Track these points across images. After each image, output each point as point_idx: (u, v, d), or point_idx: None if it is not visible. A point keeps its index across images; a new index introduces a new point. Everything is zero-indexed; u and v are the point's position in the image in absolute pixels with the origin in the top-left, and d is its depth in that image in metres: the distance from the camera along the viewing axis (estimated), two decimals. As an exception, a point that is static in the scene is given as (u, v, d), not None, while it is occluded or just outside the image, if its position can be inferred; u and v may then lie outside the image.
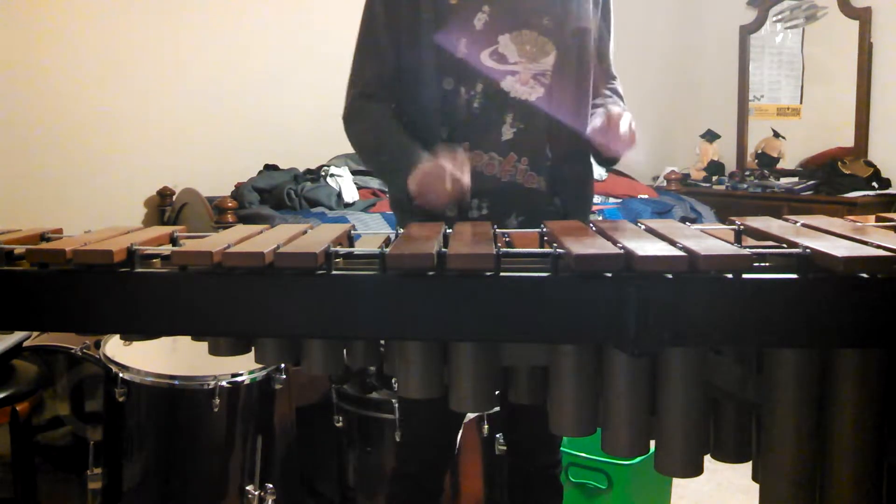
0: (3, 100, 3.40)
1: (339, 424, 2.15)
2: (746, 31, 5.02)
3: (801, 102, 4.83)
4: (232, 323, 1.03)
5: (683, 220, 2.90)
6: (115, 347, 2.06)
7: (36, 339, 2.30)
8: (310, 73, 4.12)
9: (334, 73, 4.07)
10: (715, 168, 4.99)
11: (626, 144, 1.51)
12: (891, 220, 1.21)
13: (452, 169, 1.40)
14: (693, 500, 2.61)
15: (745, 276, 0.93)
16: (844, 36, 4.49)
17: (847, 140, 4.50)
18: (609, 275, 0.95)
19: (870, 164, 4.31)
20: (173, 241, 1.20)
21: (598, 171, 2.26)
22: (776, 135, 4.86)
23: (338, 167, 3.83)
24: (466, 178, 1.41)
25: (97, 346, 2.17)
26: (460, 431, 1.81)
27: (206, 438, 1.96)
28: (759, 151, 4.90)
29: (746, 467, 1.08)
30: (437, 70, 1.53)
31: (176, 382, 1.94)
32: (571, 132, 1.57)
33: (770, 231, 1.09)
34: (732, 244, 1.05)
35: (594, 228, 1.14)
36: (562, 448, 1.81)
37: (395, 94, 1.59)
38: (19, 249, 1.08)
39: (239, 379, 1.97)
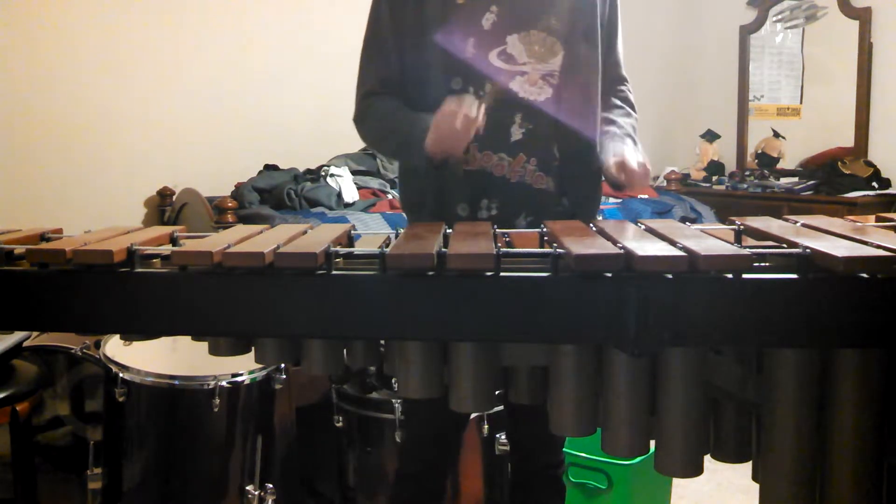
0: (3, 100, 3.40)
1: (339, 424, 2.15)
2: (746, 31, 5.02)
3: (801, 102, 4.83)
4: (232, 323, 1.03)
5: (683, 220, 2.91)
6: (115, 347, 2.06)
7: (36, 339, 2.30)
8: (310, 73, 4.12)
9: (334, 73, 4.09)
10: (715, 168, 4.99)
11: (641, 183, 1.53)
12: (891, 220, 1.21)
13: (459, 108, 1.40)
14: (693, 500, 2.61)
15: (745, 276, 0.94)
16: (844, 36, 4.49)
17: (847, 140, 4.50)
18: (609, 275, 0.95)
19: (870, 164, 4.31)
20: (173, 241, 1.20)
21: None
22: (776, 135, 4.86)
23: (338, 167, 3.83)
24: (477, 113, 1.41)
25: (97, 346, 2.17)
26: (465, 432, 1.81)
27: (206, 438, 1.96)
28: (759, 151, 4.90)
29: (746, 467, 1.08)
30: (444, 70, 1.54)
31: (176, 382, 1.93)
32: (580, 132, 1.57)
33: (770, 231, 1.09)
34: (732, 244, 1.05)
35: (594, 228, 1.14)
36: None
37: (403, 94, 1.59)
38: (19, 249, 1.09)
39: (239, 379, 1.97)
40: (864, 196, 4.12)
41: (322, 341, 1.09)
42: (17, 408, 2.00)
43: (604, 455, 1.59)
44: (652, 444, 1.04)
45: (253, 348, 1.12)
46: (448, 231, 1.16)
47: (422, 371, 1.06)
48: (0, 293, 1.04)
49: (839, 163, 4.35)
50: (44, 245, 1.10)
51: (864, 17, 4.41)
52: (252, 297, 1.00)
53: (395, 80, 1.59)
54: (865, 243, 0.98)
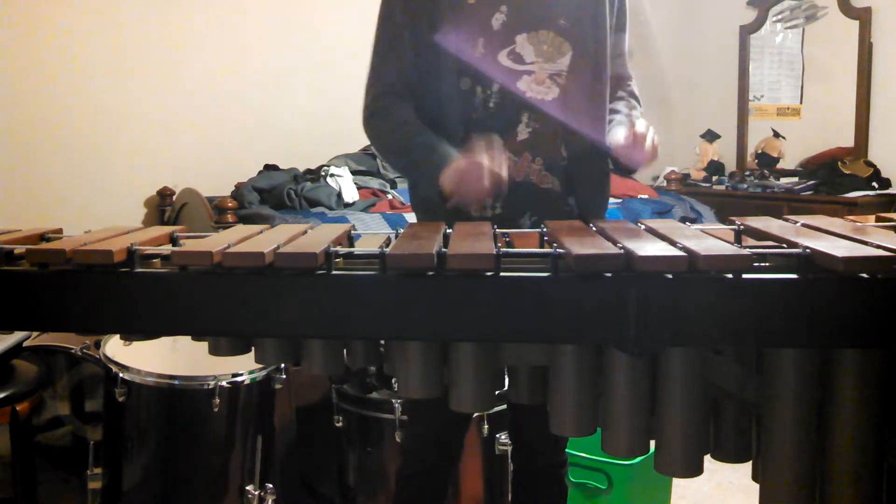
0: (4, 100, 3.40)
1: (339, 424, 2.15)
2: (746, 31, 5.02)
3: (801, 102, 4.83)
4: (232, 323, 1.03)
5: (683, 220, 2.90)
6: (115, 347, 2.06)
7: (36, 339, 2.30)
8: (310, 73, 4.12)
9: (334, 74, 4.09)
10: (715, 168, 4.99)
11: (650, 158, 1.51)
12: (891, 220, 1.21)
13: (489, 164, 1.38)
14: (693, 500, 2.61)
15: (745, 276, 0.93)
16: (844, 36, 4.49)
17: (847, 140, 4.50)
18: (609, 275, 0.95)
19: (870, 164, 4.31)
20: (173, 241, 1.20)
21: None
22: (776, 135, 4.86)
23: (338, 167, 3.83)
24: (504, 172, 1.39)
25: (97, 346, 2.17)
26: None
27: (206, 438, 1.96)
28: (759, 151, 4.90)
29: (746, 467, 1.08)
30: (454, 70, 1.53)
31: (176, 382, 1.93)
32: (587, 132, 1.57)
33: (770, 231, 1.09)
34: (732, 244, 1.05)
35: (594, 228, 1.14)
36: (563, 448, 1.81)
37: (415, 94, 1.58)
38: (19, 249, 1.08)
39: (239, 379, 1.97)
40: (864, 196, 4.12)
41: (322, 341, 1.09)
42: (17, 408, 2.00)
43: (604, 455, 1.59)
44: (652, 444, 1.03)
45: (253, 348, 1.12)
46: (448, 231, 1.16)
47: (422, 371, 1.06)
48: (0, 293, 1.04)
49: (839, 163, 4.35)
50: (44, 245, 1.10)
51: (864, 17, 4.41)
52: (252, 297, 1.00)
53: (408, 79, 1.57)
54: (865, 243, 0.98)
